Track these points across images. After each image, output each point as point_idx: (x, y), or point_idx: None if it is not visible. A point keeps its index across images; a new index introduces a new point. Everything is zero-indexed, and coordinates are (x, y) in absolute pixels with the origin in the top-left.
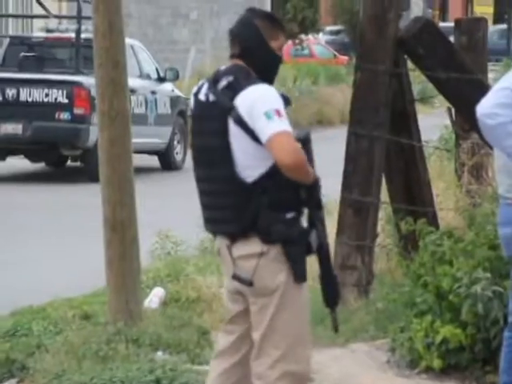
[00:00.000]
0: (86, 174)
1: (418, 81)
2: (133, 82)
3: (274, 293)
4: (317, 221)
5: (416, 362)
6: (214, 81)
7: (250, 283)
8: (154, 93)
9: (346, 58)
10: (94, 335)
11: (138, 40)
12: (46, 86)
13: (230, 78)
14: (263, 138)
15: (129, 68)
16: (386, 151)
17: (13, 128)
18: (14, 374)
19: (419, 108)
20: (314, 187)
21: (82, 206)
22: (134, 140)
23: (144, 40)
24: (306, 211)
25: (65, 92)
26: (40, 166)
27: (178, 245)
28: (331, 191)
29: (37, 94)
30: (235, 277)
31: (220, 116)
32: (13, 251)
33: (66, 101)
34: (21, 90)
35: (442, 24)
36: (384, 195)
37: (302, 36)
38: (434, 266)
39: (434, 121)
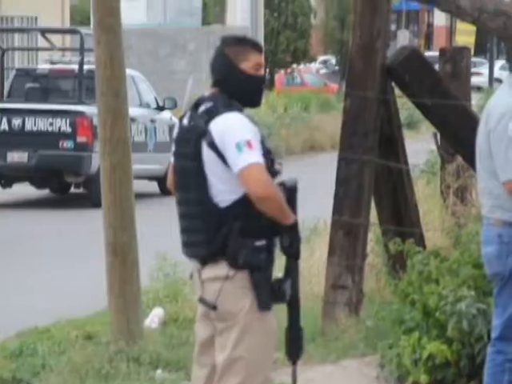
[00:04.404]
0: (89, 199)
1: (405, 107)
2: (133, 110)
3: (237, 317)
4: (293, 271)
5: (404, 377)
6: (195, 106)
7: (213, 306)
8: (153, 121)
9: (336, 85)
10: (97, 354)
11: (137, 71)
12: (50, 115)
13: (210, 104)
14: (234, 169)
15: (129, 97)
16: (375, 175)
17: (19, 156)
18: None
19: (406, 133)
20: (295, 232)
21: (84, 230)
22: (135, 166)
23: (143, 71)
24: (284, 257)
25: (68, 121)
26: (45, 192)
27: (176, 267)
28: (322, 214)
29: (41, 124)
30: (201, 300)
31: (195, 139)
32: (18, 275)
33: (69, 130)
34: (26, 119)
35: (427, 53)
36: (373, 217)
37: (294, 65)
38: (421, 284)
39: (420, 145)
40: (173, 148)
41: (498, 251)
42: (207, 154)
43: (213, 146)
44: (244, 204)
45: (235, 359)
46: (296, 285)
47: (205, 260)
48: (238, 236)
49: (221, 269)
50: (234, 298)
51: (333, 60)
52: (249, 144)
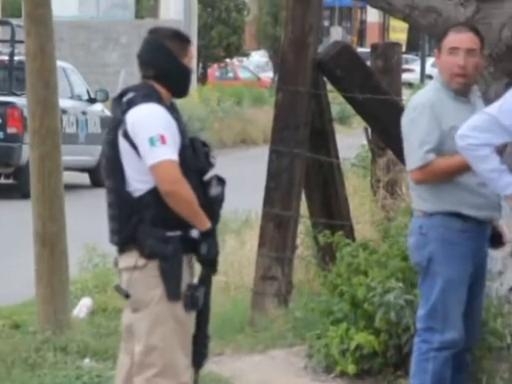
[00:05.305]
0: (18, 190)
1: (337, 102)
2: (64, 102)
3: (149, 307)
4: (207, 279)
5: (332, 367)
6: (119, 96)
7: (126, 295)
8: (84, 113)
9: (269, 80)
10: (23, 344)
11: (69, 63)
12: None
13: (131, 95)
14: (147, 162)
15: (60, 89)
16: (306, 168)
17: None
18: None
19: (338, 128)
20: (212, 239)
21: (13, 221)
22: (66, 158)
23: (76, 63)
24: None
25: None
26: None
27: (105, 257)
28: (254, 206)
29: None
30: (116, 288)
31: (114, 128)
32: None
33: None
34: None
35: (359, 49)
36: (303, 209)
37: (227, 60)
38: (350, 276)
39: (352, 140)
40: None
41: (417, 242)
42: (122, 143)
43: (127, 136)
44: (157, 194)
45: (150, 349)
46: (208, 293)
47: (121, 248)
48: (149, 225)
49: (132, 258)
50: (145, 287)
51: (255, 56)
52: (162, 138)
